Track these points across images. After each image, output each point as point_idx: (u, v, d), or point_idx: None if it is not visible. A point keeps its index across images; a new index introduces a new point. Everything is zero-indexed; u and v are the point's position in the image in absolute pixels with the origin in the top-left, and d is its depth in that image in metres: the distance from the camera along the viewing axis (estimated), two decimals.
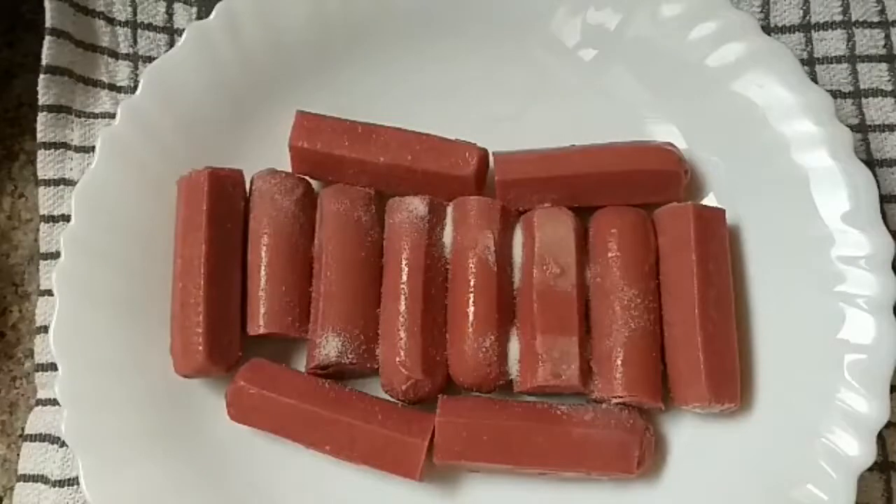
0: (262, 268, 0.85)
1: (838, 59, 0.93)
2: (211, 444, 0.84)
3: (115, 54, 0.97)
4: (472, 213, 0.84)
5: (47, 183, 0.94)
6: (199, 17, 0.97)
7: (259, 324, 0.84)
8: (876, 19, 0.93)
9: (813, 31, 0.94)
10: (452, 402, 0.82)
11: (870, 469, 0.76)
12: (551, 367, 0.80)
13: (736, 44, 0.85)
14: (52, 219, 0.93)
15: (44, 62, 0.93)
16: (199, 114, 0.89)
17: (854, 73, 0.93)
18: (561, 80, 0.91)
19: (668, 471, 0.82)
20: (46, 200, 0.94)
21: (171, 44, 0.97)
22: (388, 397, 0.84)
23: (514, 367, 0.82)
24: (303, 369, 0.85)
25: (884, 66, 0.92)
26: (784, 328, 0.82)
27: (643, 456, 0.79)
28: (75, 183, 0.89)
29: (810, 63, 0.93)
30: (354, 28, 0.91)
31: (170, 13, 0.98)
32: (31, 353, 0.92)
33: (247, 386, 0.82)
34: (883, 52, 0.93)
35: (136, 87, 0.89)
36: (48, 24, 0.93)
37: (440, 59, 0.92)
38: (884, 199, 0.86)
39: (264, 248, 0.85)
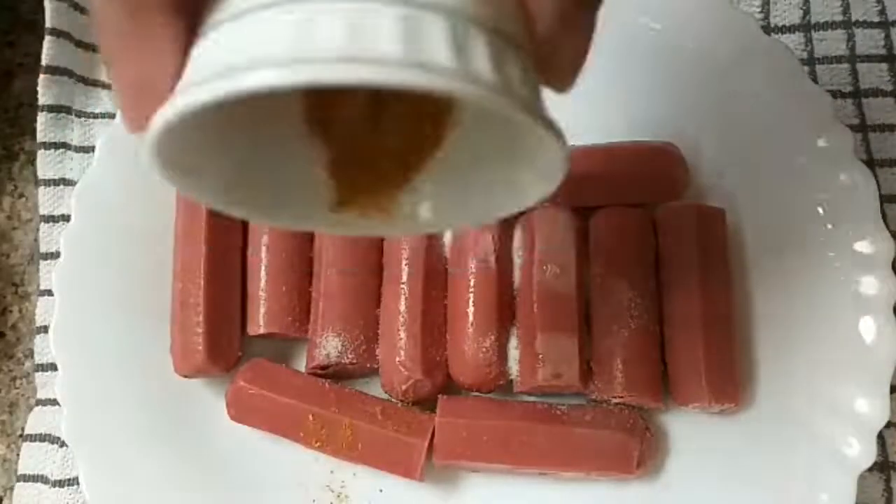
0: (262, 268, 0.85)
1: (838, 59, 0.93)
2: (211, 444, 0.84)
3: None
4: None
5: (47, 183, 0.94)
6: None
7: (259, 324, 0.84)
8: (876, 19, 0.93)
9: (813, 31, 0.94)
10: (452, 402, 0.82)
11: (870, 469, 0.76)
12: (551, 367, 0.80)
13: (736, 44, 0.85)
14: (52, 219, 0.93)
15: (44, 62, 0.93)
16: None
17: (854, 73, 0.92)
18: None
19: (668, 471, 0.82)
20: (46, 200, 0.94)
21: None
22: (388, 397, 0.84)
23: (514, 367, 0.82)
24: (303, 369, 0.85)
25: (884, 66, 0.92)
26: (784, 328, 0.82)
27: (643, 456, 0.79)
28: (75, 183, 0.89)
29: (810, 63, 0.93)
30: None
31: None
32: (31, 353, 0.92)
33: (247, 386, 0.82)
34: (883, 52, 0.93)
35: None
36: (48, 24, 0.93)
37: None
38: (884, 199, 0.86)
39: (264, 248, 0.85)
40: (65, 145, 0.95)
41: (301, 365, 0.86)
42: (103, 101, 0.96)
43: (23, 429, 0.90)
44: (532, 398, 0.83)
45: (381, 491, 0.83)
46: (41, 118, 0.94)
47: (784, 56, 0.84)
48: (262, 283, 0.85)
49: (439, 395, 0.82)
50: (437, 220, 0.57)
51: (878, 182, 0.82)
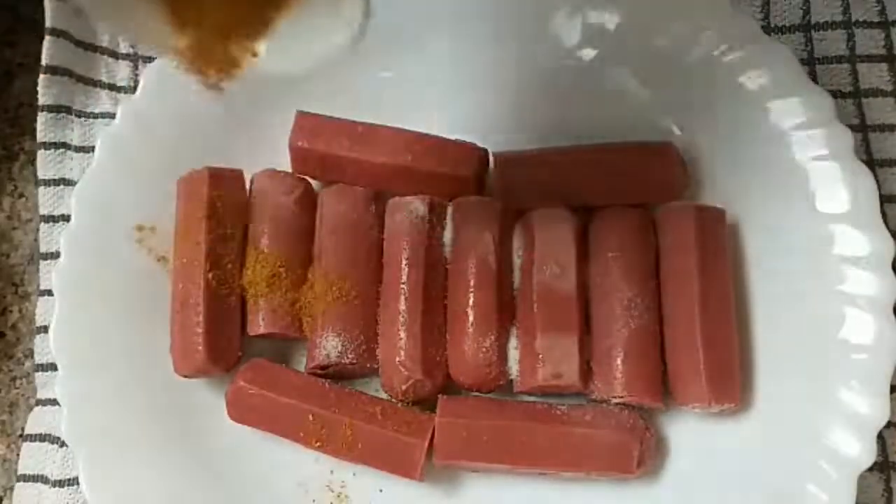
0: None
1: (838, 59, 0.93)
2: (211, 444, 0.84)
3: (115, 54, 0.97)
4: (472, 213, 0.84)
5: (47, 183, 0.94)
6: None
7: (259, 324, 0.84)
8: (876, 19, 0.93)
9: (813, 31, 0.94)
10: (452, 402, 0.82)
11: (870, 469, 0.76)
12: (551, 367, 0.80)
13: (736, 44, 0.85)
14: (52, 219, 0.93)
15: (44, 62, 0.93)
16: (199, 114, 0.89)
17: (854, 73, 0.92)
18: (561, 80, 0.91)
19: (668, 471, 0.82)
20: (46, 200, 0.94)
21: None
22: (388, 397, 0.84)
23: (514, 367, 0.82)
24: (303, 369, 0.85)
25: (884, 66, 0.92)
26: (784, 328, 0.82)
27: (643, 456, 0.79)
28: (75, 183, 0.89)
29: (810, 63, 0.93)
30: None
31: None
32: (31, 353, 0.92)
33: (247, 386, 0.82)
34: (883, 52, 0.93)
35: (136, 87, 0.90)
36: (48, 24, 0.93)
37: (440, 59, 0.92)
38: (884, 199, 0.86)
39: (264, 248, 0.85)
40: (65, 145, 0.95)
41: (301, 365, 0.86)
42: (103, 101, 0.96)
43: (23, 429, 0.90)
44: (532, 398, 0.84)
45: (381, 491, 0.83)
46: (41, 118, 0.94)
47: (784, 56, 0.84)
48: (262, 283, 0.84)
49: (439, 395, 0.82)
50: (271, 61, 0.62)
51: (878, 182, 0.82)
